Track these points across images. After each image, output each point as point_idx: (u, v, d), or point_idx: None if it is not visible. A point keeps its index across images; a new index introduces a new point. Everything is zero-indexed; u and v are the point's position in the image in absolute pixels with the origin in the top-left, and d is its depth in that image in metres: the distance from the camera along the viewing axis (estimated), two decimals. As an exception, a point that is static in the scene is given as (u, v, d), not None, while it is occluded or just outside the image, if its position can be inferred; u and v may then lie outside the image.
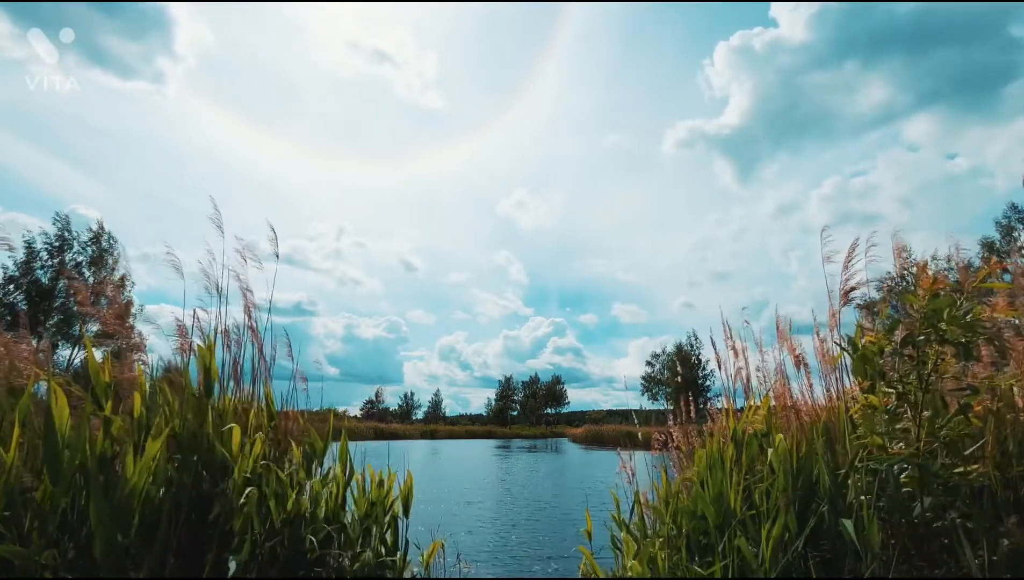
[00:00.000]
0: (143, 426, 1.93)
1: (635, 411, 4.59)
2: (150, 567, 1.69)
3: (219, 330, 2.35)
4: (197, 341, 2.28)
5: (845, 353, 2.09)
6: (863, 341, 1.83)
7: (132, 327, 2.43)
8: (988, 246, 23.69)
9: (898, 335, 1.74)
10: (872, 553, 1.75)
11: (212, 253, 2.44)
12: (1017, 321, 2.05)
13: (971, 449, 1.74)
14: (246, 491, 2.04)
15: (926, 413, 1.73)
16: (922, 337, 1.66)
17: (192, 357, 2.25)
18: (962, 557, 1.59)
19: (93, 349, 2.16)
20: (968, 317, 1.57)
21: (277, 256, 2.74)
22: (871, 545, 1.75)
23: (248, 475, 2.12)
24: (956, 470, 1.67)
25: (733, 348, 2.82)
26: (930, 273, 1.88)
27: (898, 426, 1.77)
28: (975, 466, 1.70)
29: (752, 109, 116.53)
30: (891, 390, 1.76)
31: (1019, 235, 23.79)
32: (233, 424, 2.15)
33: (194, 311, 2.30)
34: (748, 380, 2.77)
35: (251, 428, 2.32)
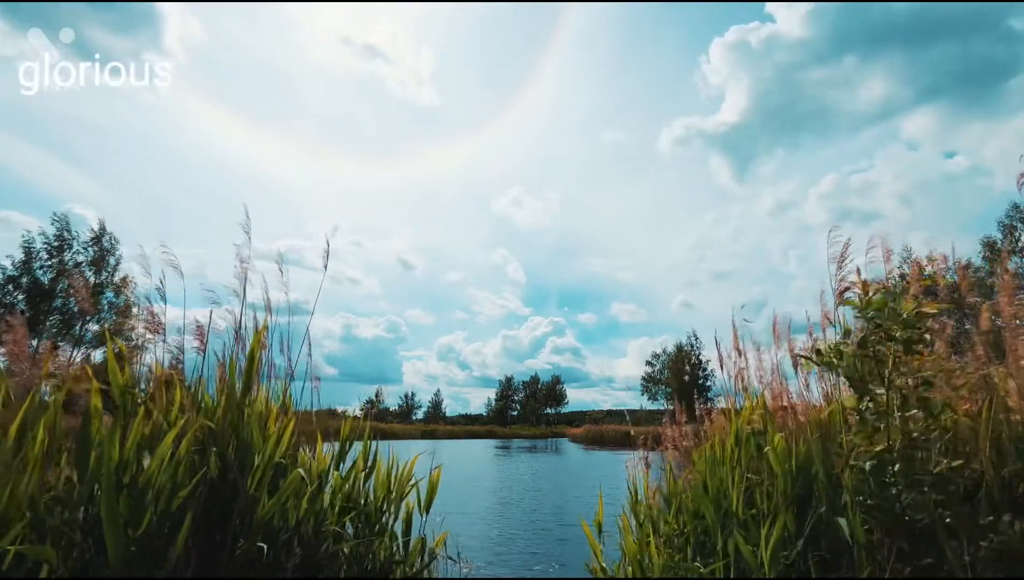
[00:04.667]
0: (172, 423, 1.96)
1: (630, 411, 4.61)
2: (172, 565, 1.70)
3: (240, 330, 2.37)
4: (206, 341, 2.31)
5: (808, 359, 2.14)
6: (823, 347, 1.97)
7: (134, 326, 2.46)
8: (989, 246, 23.67)
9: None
10: (858, 547, 1.81)
11: (240, 257, 2.45)
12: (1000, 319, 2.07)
13: (996, 448, 1.78)
14: (280, 478, 2.06)
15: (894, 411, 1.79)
16: (873, 337, 1.80)
17: (201, 357, 2.28)
18: (948, 553, 1.63)
19: (94, 350, 2.19)
20: (905, 315, 1.71)
21: (326, 267, 2.70)
22: (856, 539, 1.81)
23: (280, 460, 2.14)
24: (941, 467, 1.70)
25: (737, 348, 2.84)
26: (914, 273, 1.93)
27: (874, 425, 1.85)
28: (959, 462, 1.75)
29: (749, 106, 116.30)
30: (858, 388, 1.87)
31: (1020, 235, 23.77)
32: (271, 412, 2.20)
33: (210, 311, 2.33)
34: (744, 380, 2.80)
35: (276, 421, 2.36)
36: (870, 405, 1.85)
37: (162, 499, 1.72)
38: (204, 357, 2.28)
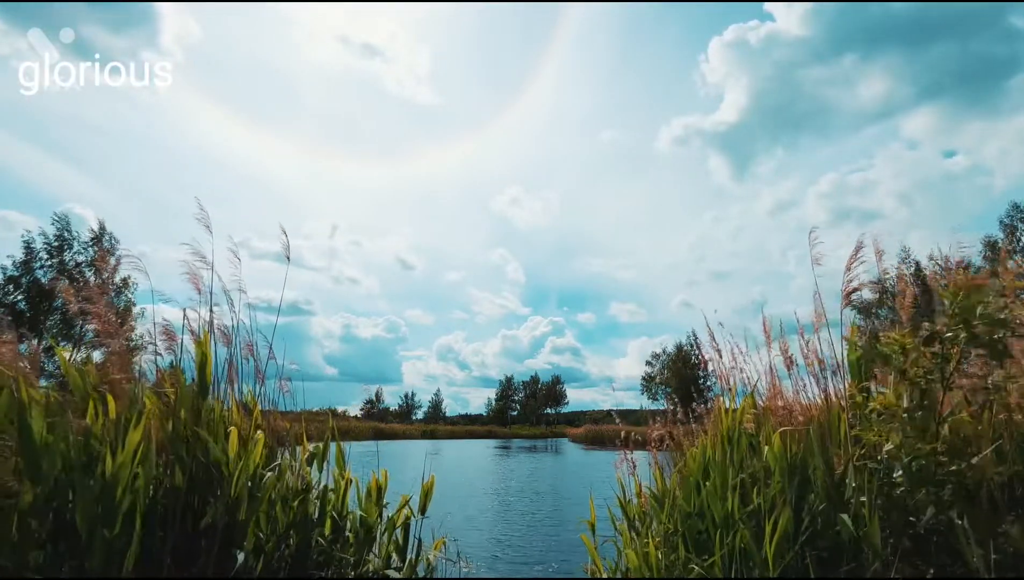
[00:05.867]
0: (124, 425, 1.91)
1: (630, 411, 4.62)
2: (141, 567, 1.68)
3: (208, 329, 2.32)
4: (187, 340, 2.27)
5: (844, 353, 2.08)
6: (884, 338, 1.82)
7: (132, 328, 2.43)
8: (991, 245, 23.62)
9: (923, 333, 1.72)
10: (874, 552, 1.74)
11: (201, 253, 2.41)
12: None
13: (990, 448, 1.72)
14: (254, 488, 2.03)
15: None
16: (950, 334, 1.63)
17: (183, 356, 2.24)
18: (968, 557, 1.58)
19: (93, 350, 2.17)
20: (1003, 314, 1.54)
21: (288, 258, 2.72)
22: (872, 542, 1.74)
23: (248, 479, 2.09)
24: (957, 468, 1.66)
25: (718, 350, 2.85)
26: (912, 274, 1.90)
27: (917, 425, 1.74)
28: (975, 462, 1.71)
29: (748, 105, 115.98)
30: (915, 384, 1.73)
31: (1021, 235, 23.71)
32: (232, 427, 2.14)
33: (184, 311, 2.29)
34: (729, 380, 2.79)
35: (250, 428, 2.31)
36: (923, 406, 1.72)
37: (127, 499, 1.70)
38: (179, 359, 2.24)
